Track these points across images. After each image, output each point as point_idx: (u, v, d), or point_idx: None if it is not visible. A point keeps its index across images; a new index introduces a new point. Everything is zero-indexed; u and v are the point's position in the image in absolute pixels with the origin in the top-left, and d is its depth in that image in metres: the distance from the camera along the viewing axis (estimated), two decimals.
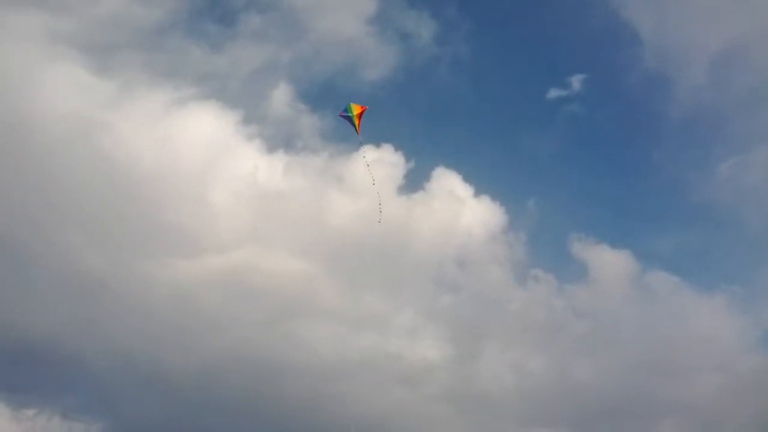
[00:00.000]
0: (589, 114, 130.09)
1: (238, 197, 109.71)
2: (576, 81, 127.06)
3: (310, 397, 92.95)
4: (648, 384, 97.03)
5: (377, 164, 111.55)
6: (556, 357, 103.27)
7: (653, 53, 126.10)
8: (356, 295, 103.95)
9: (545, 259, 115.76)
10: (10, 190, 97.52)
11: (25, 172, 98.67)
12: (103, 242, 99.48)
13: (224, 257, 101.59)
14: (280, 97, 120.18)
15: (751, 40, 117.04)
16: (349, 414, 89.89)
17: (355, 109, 65.95)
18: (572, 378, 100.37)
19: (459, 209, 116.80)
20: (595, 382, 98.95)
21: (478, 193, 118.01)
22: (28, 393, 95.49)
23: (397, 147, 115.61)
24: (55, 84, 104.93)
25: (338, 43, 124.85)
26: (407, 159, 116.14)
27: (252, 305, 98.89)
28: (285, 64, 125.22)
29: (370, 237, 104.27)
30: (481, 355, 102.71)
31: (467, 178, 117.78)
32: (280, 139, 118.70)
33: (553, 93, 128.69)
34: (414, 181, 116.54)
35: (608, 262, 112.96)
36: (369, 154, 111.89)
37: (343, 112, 66.83)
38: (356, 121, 66.02)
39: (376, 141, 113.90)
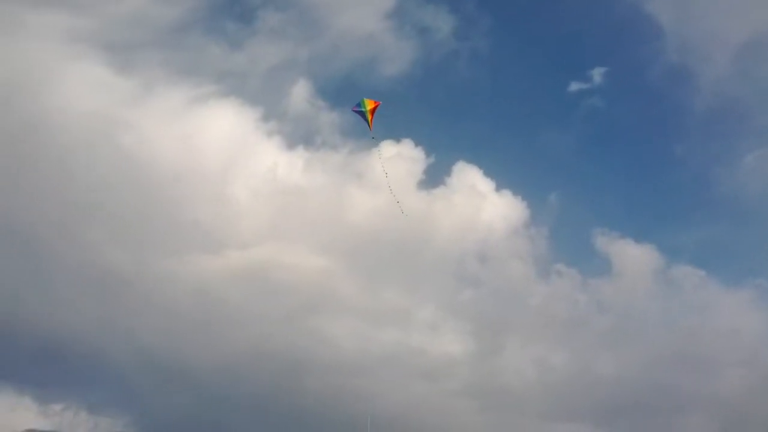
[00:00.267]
0: (610, 107, 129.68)
1: (258, 194, 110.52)
2: (597, 74, 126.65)
3: (332, 392, 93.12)
4: (672, 378, 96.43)
5: (397, 160, 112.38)
6: (579, 352, 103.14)
7: (675, 45, 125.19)
8: (377, 290, 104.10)
9: (568, 253, 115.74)
10: (34, 188, 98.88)
11: (49, 170, 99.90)
12: (125, 240, 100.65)
13: (245, 253, 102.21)
14: (299, 93, 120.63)
15: None
16: (370, 408, 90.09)
17: (368, 105, 65.71)
18: (595, 372, 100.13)
19: (480, 204, 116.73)
20: (619, 377, 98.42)
21: (499, 187, 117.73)
22: (56, 388, 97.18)
23: (417, 142, 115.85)
24: (77, 83, 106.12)
25: (356, 39, 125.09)
26: (427, 154, 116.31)
27: (273, 301, 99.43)
28: (304, 60, 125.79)
29: (390, 232, 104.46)
30: (503, 349, 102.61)
31: (488, 173, 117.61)
32: (300, 136, 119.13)
33: (574, 86, 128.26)
34: (434, 176, 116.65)
35: (632, 256, 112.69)
36: (389, 149, 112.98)
37: (355, 107, 66.65)
38: (369, 117, 65.73)
39: (396, 136, 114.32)
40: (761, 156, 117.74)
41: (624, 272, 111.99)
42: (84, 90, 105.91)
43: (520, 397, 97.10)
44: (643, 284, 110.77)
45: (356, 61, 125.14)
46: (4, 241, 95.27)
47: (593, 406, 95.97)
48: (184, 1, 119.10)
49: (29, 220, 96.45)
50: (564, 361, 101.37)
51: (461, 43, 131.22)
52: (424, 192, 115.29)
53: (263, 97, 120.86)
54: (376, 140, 66.53)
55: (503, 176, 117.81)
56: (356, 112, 66.53)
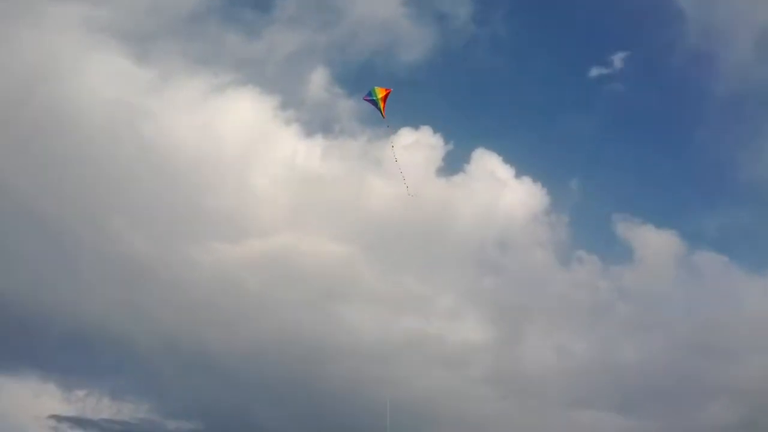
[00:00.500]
0: (631, 92, 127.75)
1: (277, 182, 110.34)
2: (618, 59, 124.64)
3: (353, 379, 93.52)
4: (695, 366, 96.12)
5: (415, 147, 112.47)
6: (601, 339, 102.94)
7: (697, 29, 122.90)
8: (397, 277, 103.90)
9: (589, 240, 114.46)
10: (57, 177, 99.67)
11: (71, 160, 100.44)
12: (147, 227, 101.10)
13: (266, 241, 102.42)
14: (318, 81, 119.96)
15: None
16: (391, 396, 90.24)
17: (380, 93, 65.51)
18: (617, 360, 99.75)
19: (500, 191, 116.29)
20: (641, 365, 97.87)
21: (519, 174, 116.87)
22: (79, 375, 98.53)
23: (436, 129, 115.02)
24: (96, 73, 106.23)
25: (374, 25, 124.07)
26: (446, 141, 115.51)
27: (294, 288, 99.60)
28: (321, 47, 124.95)
29: (410, 220, 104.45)
30: (523, 337, 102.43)
31: (508, 159, 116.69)
32: (318, 124, 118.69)
33: (595, 71, 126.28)
34: (453, 163, 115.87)
35: (654, 242, 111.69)
36: (407, 137, 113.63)
37: (367, 96, 66.49)
38: (381, 105, 65.62)
39: (414, 124, 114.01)
40: None
41: (645, 259, 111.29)
42: (104, 80, 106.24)
43: (540, 384, 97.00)
44: (665, 270, 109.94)
45: (374, 48, 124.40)
46: (29, 228, 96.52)
47: (615, 393, 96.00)
48: None
49: (52, 208, 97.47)
50: (585, 349, 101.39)
51: (480, 28, 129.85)
52: (443, 179, 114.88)
53: (281, 85, 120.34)
54: (390, 128, 66.27)
55: (523, 163, 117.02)
56: (368, 101, 66.45)
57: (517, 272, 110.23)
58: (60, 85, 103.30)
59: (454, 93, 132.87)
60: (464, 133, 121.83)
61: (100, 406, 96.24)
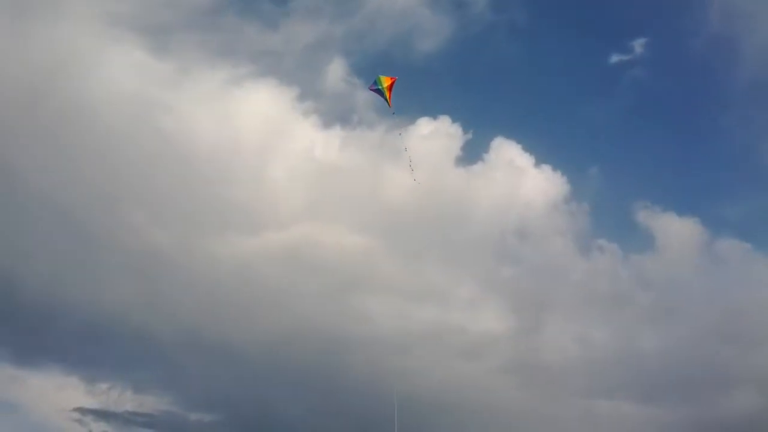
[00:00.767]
0: (652, 79, 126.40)
1: (296, 173, 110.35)
2: (638, 45, 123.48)
3: (373, 370, 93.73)
4: (718, 355, 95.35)
5: (434, 137, 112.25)
6: (622, 328, 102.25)
7: (719, 14, 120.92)
8: (416, 268, 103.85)
9: (609, 228, 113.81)
10: (78, 170, 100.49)
11: (91, 153, 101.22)
12: (167, 220, 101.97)
13: (284, 233, 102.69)
14: (335, 72, 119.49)
15: None
16: (411, 387, 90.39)
17: (385, 81, 65.34)
18: (638, 349, 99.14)
19: (519, 179, 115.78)
20: (662, 354, 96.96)
21: (538, 162, 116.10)
22: (102, 368, 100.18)
23: (454, 118, 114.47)
24: (115, 66, 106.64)
25: (391, 14, 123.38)
26: (465, 130, 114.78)
27: (313, 280, 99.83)
28: (339, 38, 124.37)
29: (428, 210, 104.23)
30: (543, 326, 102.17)
31: (527, 148, 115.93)
32: (336, 115, 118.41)
33: (615, 58, 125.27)
34: (472, 153, 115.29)
35: (675, 230, 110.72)
36: (425, 126, 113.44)
37: (372, 85, 66.27)
38: (387, 94, 65.41)
39: (433, 113, 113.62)
40: None
41: (667, 247, 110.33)
42: (123, 73, 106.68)
43: (561, 374, 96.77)
44: (687, 259, 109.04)
45: (392, 37, 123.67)
46: (50, 222, 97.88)
47: (636, 382, 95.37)
48: None
49: (72, 202, 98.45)
50: (606, 338, 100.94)
51: (498, 16, 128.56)
52: (461, 169, 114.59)
53: (299, 76, 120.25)
54: (398, 116, 66.00)
55: (542, 151, 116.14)
56: (373, 90, 66.23)
57: (536, 261, 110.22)
58: (79, 78, 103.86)
59: (473, 82, 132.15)
60: (483, 122, 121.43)
61: (123, 399, 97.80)
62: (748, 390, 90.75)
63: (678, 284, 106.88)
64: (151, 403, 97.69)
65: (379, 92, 65.48)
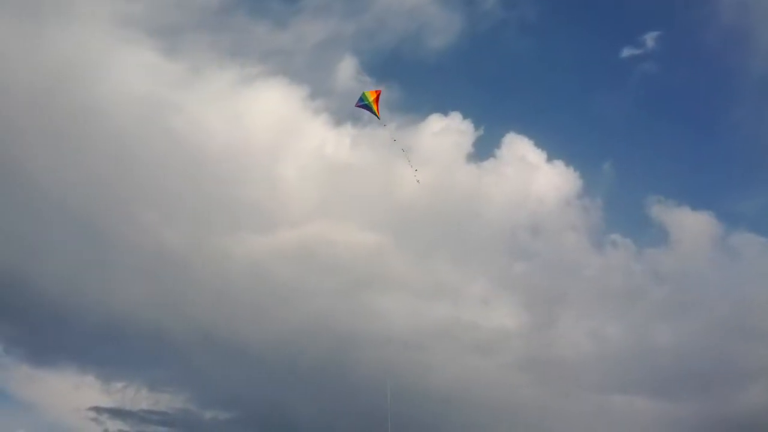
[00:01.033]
0: (664, 72, 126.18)
1: (307, 172, 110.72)
2: (650, 39, 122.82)
3: (386, 367, 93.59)
4: (733, 349, 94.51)
5: (445, 133, 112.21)
6: (636, 323, 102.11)
7: (731, 6, 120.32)
8: (428, 265, 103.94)
9: (623, 223, 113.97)
10: (91, 171, 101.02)
11: (102, 154, 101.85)
12: (179, 220, 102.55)
13: (296, 231, 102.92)
14: (346, 70, 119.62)
15: None
16: (426, 383, 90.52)
17: (370, 96, 65.67)
18: (652, 344, 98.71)
19: (531, 175, 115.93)
20: (677, 348, 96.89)
21: (551, 158, 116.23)
22: (117, 367, 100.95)
23: (466, 115, 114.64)
24: (127, 67, 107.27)
25: (401, 11, 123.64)
26: (476, 126, 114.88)
27: (325, 278, 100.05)
28: (349, 36, 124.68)
29: (440, 207, 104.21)
30: (557, 322, 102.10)
31: (539, 143, 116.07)
32: (347, 113, 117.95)
33: (627, 52, 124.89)
34: (484, 149, 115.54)
35: (690, 224, 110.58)
36: (436, 123, 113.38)
37: (359, 102, 66.40)
38: (374, 107, 65.56)
39: (444, 110, 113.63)
40: None
41: (681, 241, 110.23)
42: (134, 74, 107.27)
43: (575, 369, 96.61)
44: (701, 253, 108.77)
45: (402, 34, 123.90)
46: (63, 223, 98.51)
47: (649, 377, 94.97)
48: None
49: (85, 202, 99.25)
50: (620, 333, 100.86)
51: (508, 12, 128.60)
52: (473, 165, 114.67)
53: (310, 75, 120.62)
54: (384, 125, 66.01)
55: (555, 146, 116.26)
56: (360, 106, 66.34)
57: (549, 257, 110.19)
58: (90, 80, 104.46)
59: (484, 78, 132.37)
60: (494, 118, 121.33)
61: (139, 397, 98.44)
62: (762, 384, 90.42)
63: (692, 279, 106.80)
64: (167, 401, 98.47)
65: (367, 107, 65.59)
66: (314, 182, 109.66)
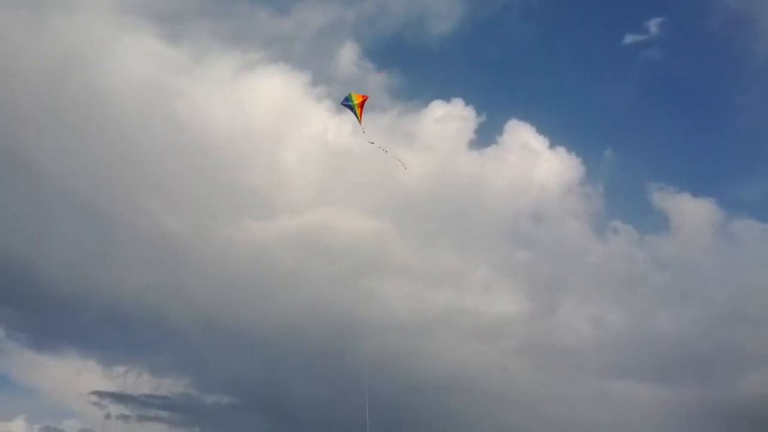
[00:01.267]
0: (667, 59, 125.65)
1: (309, 158, 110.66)
2: (653, 25, 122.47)
3: (388, 353, 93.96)
4: (734, 335, 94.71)
5: (447, 120, 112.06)
6: (637, 309, 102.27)
7: None
8: (430, 251, 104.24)
9: (624, 210, 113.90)
10: (94, 158, 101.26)
11: (105, 141, 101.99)
12: (182, 206, 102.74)
13: (298, 218, 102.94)
14: (347, 56, 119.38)
15: None
16: (427, 369, 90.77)
17: (356, 99, 65.00)
18: (654, 330, 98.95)
19: (533, 162, 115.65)
20: (678, 335, 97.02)
21: (553, 144, 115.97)
22: (119, 352, 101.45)
23: (468, 101, 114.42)
24: (128, 54, 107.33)
25: None
26: (478, 113, 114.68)
27: (327, 264, 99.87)
28: (350, 22, 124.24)
29: (442, 193, 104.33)
30: (558, 309, 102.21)
31: (541, 130, 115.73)
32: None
33: (630, 38, 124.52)
34: (486, 135, 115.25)
35: (691, 211, 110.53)
36: (438, 110, 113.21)
37: (344, 101, 66.02)
38: (358, 111, 65.16)
39: (446, 96, 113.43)
40: None
41: (682, 228, 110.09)
42: (137, 61, 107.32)
43: (576, 356, 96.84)
44: (702, 239, 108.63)
45: (404, 20, 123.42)
46: (67, 209, 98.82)
47: (651, 364, 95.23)
48: None
49: (88, 188, 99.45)
50: (621, 319, 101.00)
51: None
52: (475, 152, 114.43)
53: (311, 61, 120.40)
54: (363, 133, 65.57)
55: (557, 133, 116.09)
56: (345, 105, 65.97)
57: (551, 244, 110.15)
58: (93, 66, 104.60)
59: (486, 64, 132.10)
60: (497, 104, 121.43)
61: (140, 382, 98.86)
62: (763, 370, 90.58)
63: (693, 265, 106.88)
64: (168, 385, 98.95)
65: (350, 108, 65.28)
66: (316, 169, 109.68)
